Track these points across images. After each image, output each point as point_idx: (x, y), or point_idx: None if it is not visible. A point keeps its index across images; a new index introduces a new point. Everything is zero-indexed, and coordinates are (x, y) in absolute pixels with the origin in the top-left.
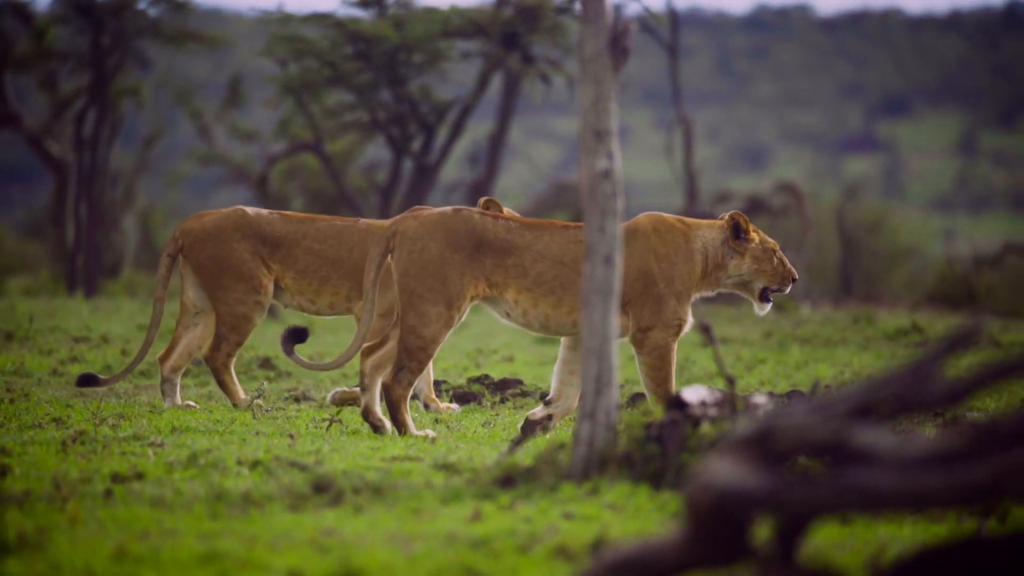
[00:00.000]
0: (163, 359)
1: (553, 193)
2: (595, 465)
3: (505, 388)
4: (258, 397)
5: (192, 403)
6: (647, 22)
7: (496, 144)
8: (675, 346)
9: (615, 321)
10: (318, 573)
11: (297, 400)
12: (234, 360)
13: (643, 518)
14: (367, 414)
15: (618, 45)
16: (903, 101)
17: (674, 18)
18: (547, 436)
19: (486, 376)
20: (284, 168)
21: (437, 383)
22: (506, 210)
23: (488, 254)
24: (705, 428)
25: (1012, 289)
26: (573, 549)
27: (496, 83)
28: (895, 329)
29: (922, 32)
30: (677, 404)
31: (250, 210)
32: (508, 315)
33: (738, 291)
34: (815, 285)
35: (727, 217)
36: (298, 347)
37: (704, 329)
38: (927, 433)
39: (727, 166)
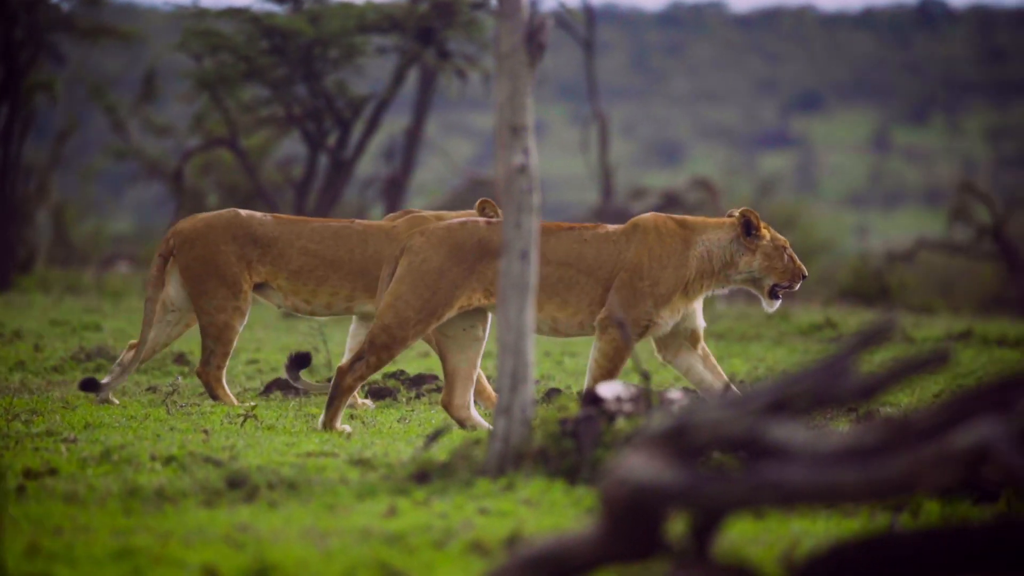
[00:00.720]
0: (132, 348)
1: (469, 188)
2: (511, 461)
3: (420, 384)
4: (172, 393)
5: (114, 399)
6: (563, 17)
7: (412, 139)
8: (633, 345)
9: (532, 316)
10: (232, 569)
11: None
12: (224, 371)
13: (558, 513)
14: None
15: (534, 40)
16: (817, 97)
17: (590, 14)
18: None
19: (401, 372)
20: (199, 163)
21: None
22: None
23: (492, 263)
24: (620, 423)
25: (924, 285)
26: (488, 544)
27: (412, 78)
28: (809, 324)
29: (835, 29)
30: (592, 399)
31: (243, 212)
32: None
33: (748, 287)
34: None
35: (738, 214)
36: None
37: (618, 324)
38: (841, 428)
39: (643, 162)
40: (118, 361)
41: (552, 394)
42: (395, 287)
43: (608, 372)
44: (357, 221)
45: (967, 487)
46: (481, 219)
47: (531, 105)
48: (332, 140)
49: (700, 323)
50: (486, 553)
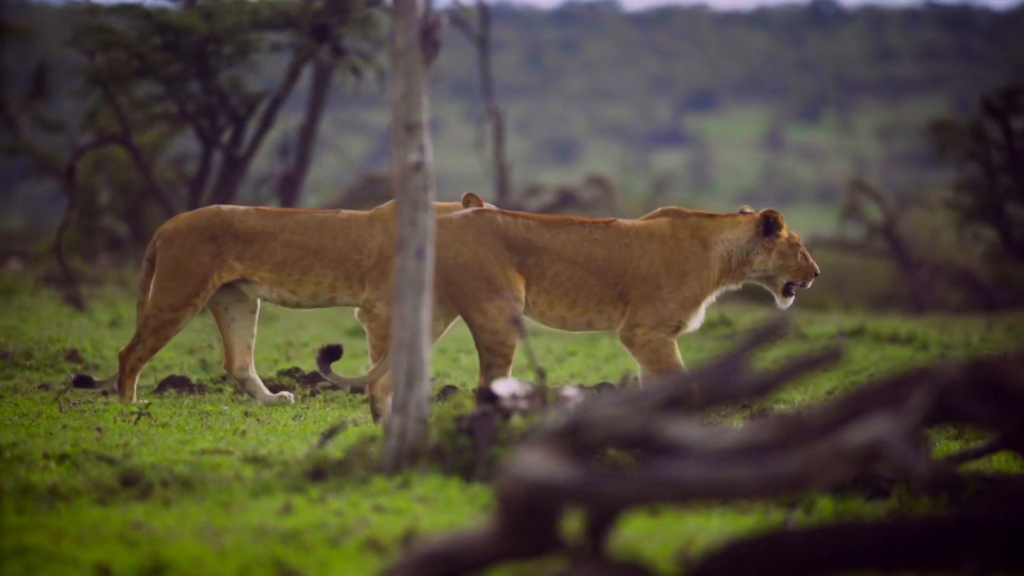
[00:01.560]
0: (228, 366)
1: (364, 186)
2: (406, 458)
3: (315, 381)
4: (64, 391)
5: (287, 394)
6: (457, 15)
7: (307, 136)
8: (674, 342)
9: (428, 314)
10: (126, 567)
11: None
12: (143, 365)
13: (454, 511)
14: None
15: (429, 38)
16: (711, 96)
17: (484, 11)
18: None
19: (296, 369)
20: (91, 160)
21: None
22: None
23: (514, 254)
24: (516, 421)
25: (818, 282)
26: (384, 542)
27: (306, 75)
28: (703, 322)
29: (729, 27)
30: (488, 397)
31: (225, 208)
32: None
33: (761, 284)
34: None
35: (759, 214)
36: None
37: (515, 322)
38: (735, 425)
39: (538, 159)
40: (239, 380)
41: (448, 391)
42: (449, 291)
43: (665, 370)
44: (342, 211)
45: (860, 483)
46: (495, 208)
47: (426, 102)
48: (226, 137)
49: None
50: (381, 551)
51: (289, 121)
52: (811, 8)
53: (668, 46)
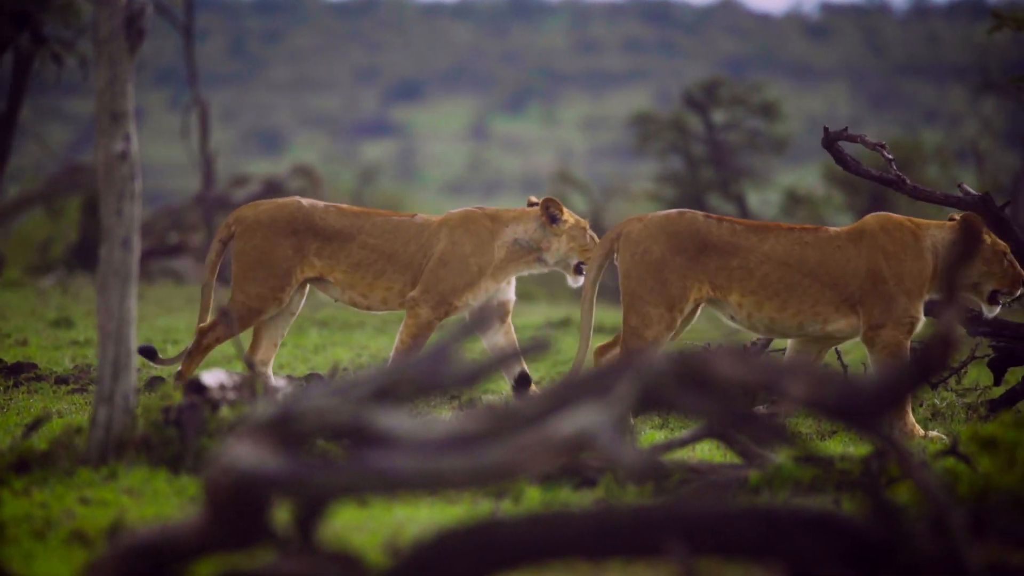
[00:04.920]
0: (250, 356)
1: (67, 174)
2: (112, 449)
3: (19, 372)
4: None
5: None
6: (161, 3)
7: (7, 125)
8: (907, 344)
9: (134, 304)
10: None
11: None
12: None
13: (161, 502)
14: None
15: (134, 26)
16: (416, 87)
17: (188, 0)
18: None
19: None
20: None
21: None
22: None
23: (712, 256)
24: (224, 412)
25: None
26: (90, 534)
27: (6, 62)
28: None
29: (434, 19)
30: (196, 388)
31: (305, 202)
32: (732, 318)
33: (964, 292)
34: None
35: (959, 218)
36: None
37: (223, 315)
38: (444, 415)
39: (243, 149)
40: (255, 372)
41: (155, 382)
42: (625, 284)
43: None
44: (418, 215)
45: (568, 473)
46: (699, 212)
47: (131, 91)
48: None
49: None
50: (88, 543)
51: None
52: (514, 1)
53: (374, 36)
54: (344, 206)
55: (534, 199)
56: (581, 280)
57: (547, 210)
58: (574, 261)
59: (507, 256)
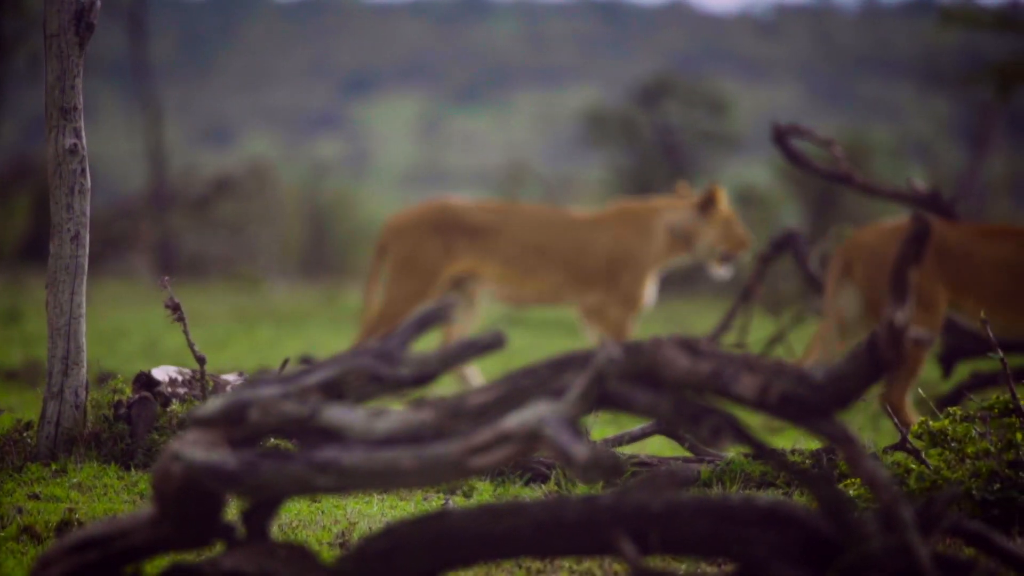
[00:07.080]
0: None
1: (15, 171)
2: (62, 445)
3: None
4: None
5: None
6: None
7: None
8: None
9: (83, 299)
10: None
11: None
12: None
13: (112, 498)
14: None
15: (83, 20)
16: (369, 81)
17: None
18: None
19: None
20: None
21: None
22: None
23: (948, 263)
24: (175, 407)
25: None
26: (39, 530)
27: None
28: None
29: (387, 15)
30: (146, 383)
31: (451, 201)
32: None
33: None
34: (286, 263)
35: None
36: None
37: (173, 307)
38: (397, 410)
39: (195, 143)
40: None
41: (106, 378)
42: (870, 296)
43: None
44: (569, 208)
45: (519, 468)
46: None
47: (80, 86)
48: None
49: None
50: (38, 539)
51: None
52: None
53: (326, 30)
54: (490, 201)
55: (685, 187)
56: (725, 271)
57: (707, 199)
58: (721, 252)
59: (665, 246)
